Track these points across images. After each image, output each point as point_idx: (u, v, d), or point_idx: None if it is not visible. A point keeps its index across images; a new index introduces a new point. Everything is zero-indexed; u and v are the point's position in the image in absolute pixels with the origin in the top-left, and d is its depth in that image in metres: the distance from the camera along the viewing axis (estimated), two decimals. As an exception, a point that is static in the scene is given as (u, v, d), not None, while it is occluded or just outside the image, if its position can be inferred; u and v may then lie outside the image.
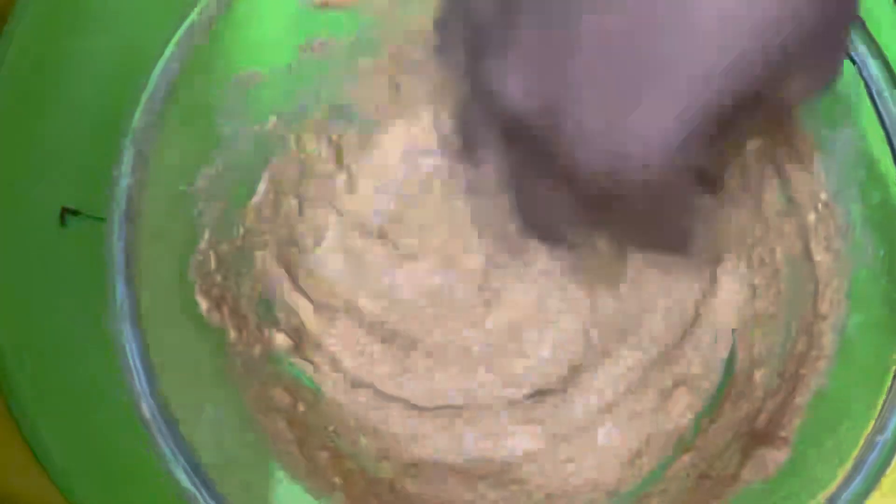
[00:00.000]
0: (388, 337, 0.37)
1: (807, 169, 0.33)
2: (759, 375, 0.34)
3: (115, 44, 0.39)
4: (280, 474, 0.33)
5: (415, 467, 0.36)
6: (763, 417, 0.33)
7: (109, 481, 0.37)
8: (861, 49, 0.31)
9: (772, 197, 0.34)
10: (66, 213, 0.38)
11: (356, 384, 0.36)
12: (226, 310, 0.34)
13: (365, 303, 0.37)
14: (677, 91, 0.23)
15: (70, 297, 0.38)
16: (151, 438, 0.30)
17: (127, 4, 0.40)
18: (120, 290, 0.31)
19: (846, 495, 0.30)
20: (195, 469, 0.30)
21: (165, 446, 0.30)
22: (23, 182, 0.39)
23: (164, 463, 0.30)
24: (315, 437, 0.35)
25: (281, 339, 0.36)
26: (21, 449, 0.37)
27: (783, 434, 0.32)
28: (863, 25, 0.31)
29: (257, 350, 0.35)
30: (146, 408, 0.30)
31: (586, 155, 0.24)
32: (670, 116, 0.23)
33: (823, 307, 0.33)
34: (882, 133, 0.32)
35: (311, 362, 0.37)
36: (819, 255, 0.33)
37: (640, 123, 0.23)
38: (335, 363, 0.37)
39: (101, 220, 0.38)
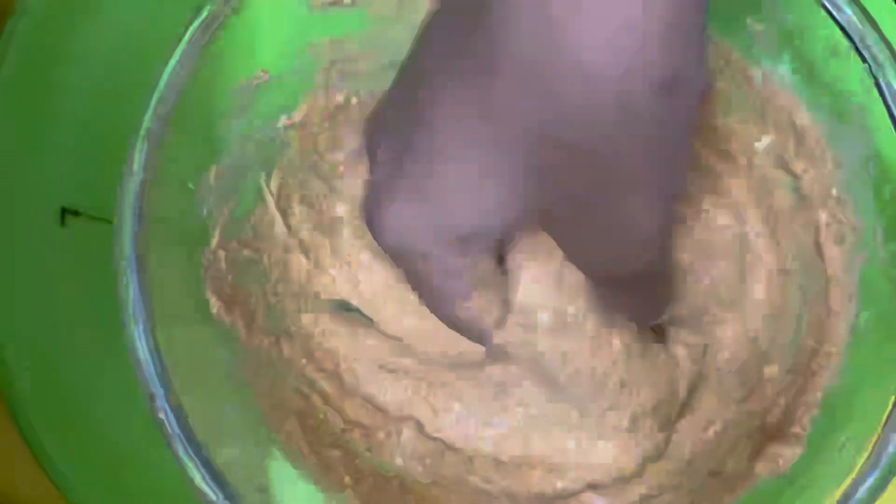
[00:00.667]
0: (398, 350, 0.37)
1: (817, 166, 0.33)
2: (769, 372, 0.34)
3: (115, 43, 0.39)
4: (291, 472, 0.33)
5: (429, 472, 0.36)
6: (775, 413, 0.33)
7: (109, 481, 0.37)
8: (871, 46, 0.31)
9: (782, 193, 0.34)
10: (66, 213, 0.38)
11: (366, 387, 0.36)
12: (237, 310, 0.34)
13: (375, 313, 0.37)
14: None
15: (70, 296, 0.38)
16: (165, 438, 0.30)
17: (128, 3, 0.39)
18: (132, 290, 0.31)
19: (861, 490, 0.30)
20: (208, 467, 0.30)
21: (179, 446, 0.30)
22: (23, 182, 0.38)
23: (177, 462, 0.30)
24: (326, 436, 0.34)
25: (288, 343, 0.36)
26: (21, 449, 0.36)
27: (796, 430, 0.32)
28: (872, 22, 0.31)
29: (268, 350, 0.35)
30: (160, 408, 0.30)
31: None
32: None
33: (834, 303, 0.33)
34: (892, 129, 0.32)
35: (320, 365, 0.36)
36: (829, 251, 0.33)
37: None
38: (343, 364, 0.36)
39: (101, 220, 0.38)
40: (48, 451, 0.37)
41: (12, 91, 0.38)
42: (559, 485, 0.35)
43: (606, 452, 0.34)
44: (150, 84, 0.34)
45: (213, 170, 0.33)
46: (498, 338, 0.33)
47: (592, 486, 0.34)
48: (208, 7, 0.32)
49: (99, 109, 0.39)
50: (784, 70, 0.33)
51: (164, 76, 0.32)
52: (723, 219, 0.36)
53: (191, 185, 0.33)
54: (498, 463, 0.36)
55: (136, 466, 0.37)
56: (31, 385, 0.37)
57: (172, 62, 0.32)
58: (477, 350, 0.35)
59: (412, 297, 0.36)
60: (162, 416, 0.30)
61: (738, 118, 0.34)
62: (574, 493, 0.34)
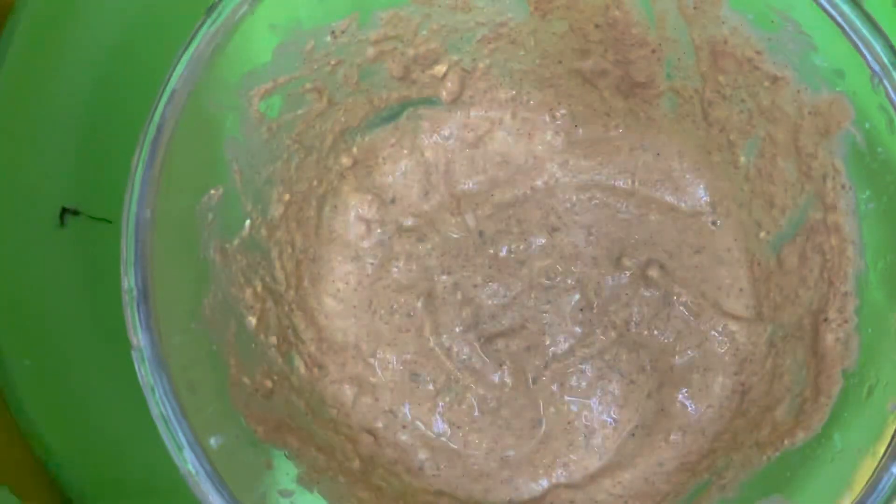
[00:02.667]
0: (414, 376, 0.37)
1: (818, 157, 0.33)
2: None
3: (116, 43, 0.39)
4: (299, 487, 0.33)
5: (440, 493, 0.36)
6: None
7: (110, 478, 0.37)
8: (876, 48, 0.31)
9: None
10: (65, 213, 0.38)
11: (382, 418, 0.37)
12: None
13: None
14: None
15: (70, 296, 0.38)
16: (174, 457, 0.30)
17: (128, 3, 0.39)
18: (137, 307, 0.31)
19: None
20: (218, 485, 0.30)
21: (189, 463, 0.30)
22: (23, 182, 0.38)
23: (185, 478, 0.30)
24: (340, 460, 0.34)
25: (302, 368, 0.36)
26: (21, 448, 0.36)
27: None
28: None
29: (275, 357, 0.35)
30: (175, 428, 0.30)
31: None
32: None
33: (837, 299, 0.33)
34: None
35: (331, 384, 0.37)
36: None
37: None
38: (360, 388, 0.37)
39: (101, 220, 0.38)
40: (48, 450, 0.37)
41: (12, 91, 0.38)
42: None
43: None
44: (149, 85, 0.34)
45: (218, 182, 0.33)
46: None
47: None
48: (213, 15, 0.32)
49: (99, 109, 0.39)
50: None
51: (168, 86, 0.32)
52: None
53: (194, 201, 0.33)
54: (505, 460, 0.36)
55: (136, 463, 0.37)
56: (31, 384, 0.37)
57: (178, 71, 0.32)
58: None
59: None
60: (170, 435, 0.30)
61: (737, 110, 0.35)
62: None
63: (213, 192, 0.33)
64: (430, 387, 0.36)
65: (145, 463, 0.36)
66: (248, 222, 0.35)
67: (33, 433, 0.37)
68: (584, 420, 0.36)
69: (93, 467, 0.37)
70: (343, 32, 0.34)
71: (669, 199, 0.37)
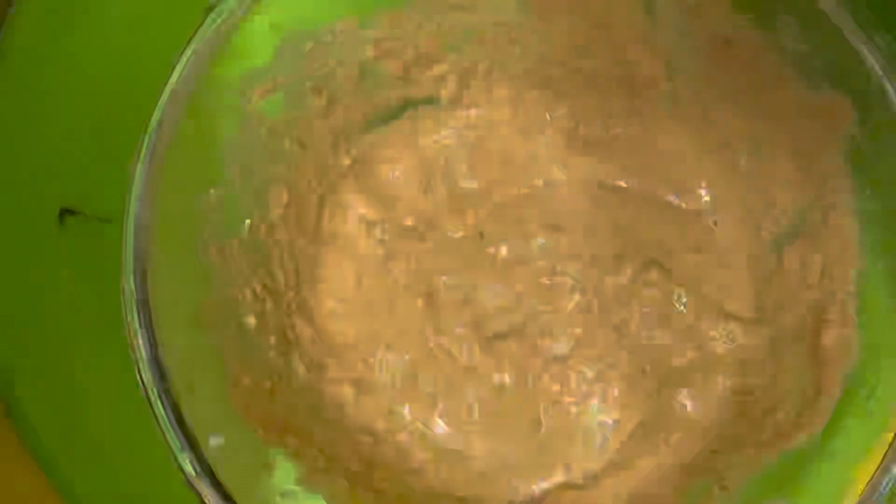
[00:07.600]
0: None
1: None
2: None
3: (116, 42, 0.39)
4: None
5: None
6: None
7: (109, 480, 0.37)
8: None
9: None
10: (65, 214, 0.38)
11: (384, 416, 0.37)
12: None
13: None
14: None
15: (70, 296, 0.38)
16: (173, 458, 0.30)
17: (129, 2, 0.39)
18: (136, 308, 0.31)
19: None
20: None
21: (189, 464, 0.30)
22: (23, 182, 0.38)
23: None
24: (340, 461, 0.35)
25: (302, 369, 0.36)
26: (21, 450, 0.36)
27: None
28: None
29: (275, 359, 0.35)
30: (174, 428, 0.30)
31: None
32: None
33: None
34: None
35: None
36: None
37: None
38: (360, 389, 0.37)
39: (101, 220, 0.38)
40: (47, 453, 0.36)
41: (12, 91, 0.38)
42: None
43: None
44: (150, 84, 0.34)
45: (218, 181, 0.33)
46: None
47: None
48: (213, 15, 0.32)
49: (99, 109, 0.39)
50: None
51: (167, 88, 0.32)
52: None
53: (195, 199, 0.33)
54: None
55: (134, 465, 0.36)
56: (31, 385, 0.37)
57: (176, 72, 0.32)
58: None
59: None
60: (165, 430, 0.30)
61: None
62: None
63: (212, 191, 0.33)
64: (430, 388, 0.36)
65: (144, 465, 0.36)
66: (247, 222, 0.35)
67: (32, 433, 0.36)
68: (584, 421, 0.36)
69: (92, 469, 0.37)
70: (343, 32, 0.34)
71: (670, 198, 0.37)
